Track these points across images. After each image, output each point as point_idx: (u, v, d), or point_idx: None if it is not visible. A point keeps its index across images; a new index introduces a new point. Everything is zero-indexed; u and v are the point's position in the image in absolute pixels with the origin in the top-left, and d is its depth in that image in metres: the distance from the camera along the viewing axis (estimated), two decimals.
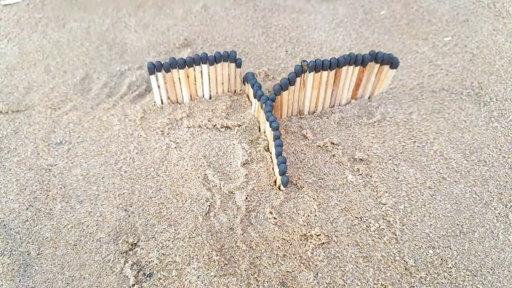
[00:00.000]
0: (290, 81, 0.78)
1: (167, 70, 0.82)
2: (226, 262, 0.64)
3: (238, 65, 0.85)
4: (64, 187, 0.75)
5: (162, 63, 0.81)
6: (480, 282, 0.63)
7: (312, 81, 0.81)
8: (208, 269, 0.63)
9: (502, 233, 0.69)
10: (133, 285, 0.62)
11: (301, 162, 0.78)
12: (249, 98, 0.89)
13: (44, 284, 0.62)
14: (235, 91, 0.92)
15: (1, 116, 0.88)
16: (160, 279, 0.62)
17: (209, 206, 0.71)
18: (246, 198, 0.72)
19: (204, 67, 0.84)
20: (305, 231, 0.68)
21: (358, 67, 0.84)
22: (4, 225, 0.69)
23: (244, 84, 0.89)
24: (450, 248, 0.67)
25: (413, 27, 1.12)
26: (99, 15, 1.16)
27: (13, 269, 0.63)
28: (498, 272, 0.65)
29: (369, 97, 0.91)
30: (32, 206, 0.72)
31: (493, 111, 0.89)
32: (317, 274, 0.63)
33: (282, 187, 0.72)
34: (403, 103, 0.90)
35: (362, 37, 1.09)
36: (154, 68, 0.81)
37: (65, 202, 0.73)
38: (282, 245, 0.66)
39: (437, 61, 1.02)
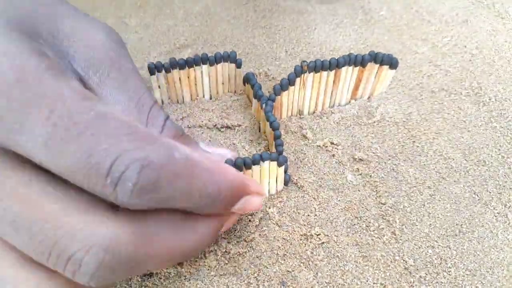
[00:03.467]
0: (290, 81, 0.78)
1: (168, 71, 0.82)
2: (226, 262, 0.64)
3: (238, 65, 0.86)
4: None
5: (163, 63, 0.81)
6: (480, 282, 0.64)
7: (312, 81, 0.81)
8: (208, 269, 0.63)
9: (501, 232, 0.70)
10: (133, 285, 0.62)
11: (301, 161, 0.79)
12: (249, 98, 0.90)
13: None
14: (235, 91, 0.92)
15: None
16: (160, 279, 0.63)
17: None
18: None
19: (205, 67, 0.84)
20: (305, 230, 0.68)
21: (358, 68, 0.84)
22: None
23: (245, 85, 0.90)
24: (450, 248, 0.67)
25: (412, 28, 1.13)
26: (99, 15, 1.16)
27: None
28: (498, 272, 0.65)
29: (368, 97, 0.91)
30: None
31: (492, 111, 0.90)
32: (317, 273, 0.64)
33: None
34: (403, 103, 0.91)
35: (362, 37, 1.09)
36: (154, 68, 0.82)
37: None
38: (282, 245, 0.67)
39: (437, 61, 1.02)
